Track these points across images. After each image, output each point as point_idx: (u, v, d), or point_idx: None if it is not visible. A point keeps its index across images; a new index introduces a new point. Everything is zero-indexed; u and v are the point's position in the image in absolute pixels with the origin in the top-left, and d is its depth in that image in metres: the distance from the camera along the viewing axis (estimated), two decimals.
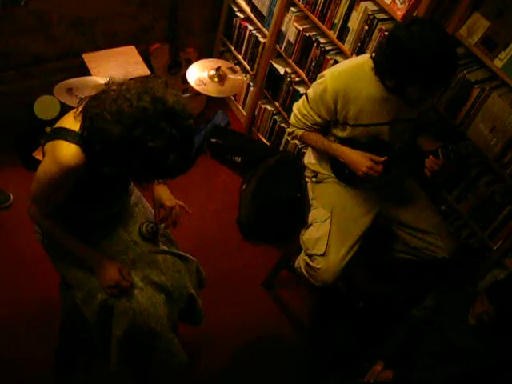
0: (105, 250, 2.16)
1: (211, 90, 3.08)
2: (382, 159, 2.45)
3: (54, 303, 2.51)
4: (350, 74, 2.38)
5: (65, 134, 1.84)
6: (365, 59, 2.33)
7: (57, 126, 1.91)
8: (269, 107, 3.83)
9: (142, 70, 3.42)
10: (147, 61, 3.60)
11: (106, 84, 2.58)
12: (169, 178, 1.84)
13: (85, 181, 1.90)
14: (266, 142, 3.95)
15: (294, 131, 2.59)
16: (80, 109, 1.83)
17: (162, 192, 2.32)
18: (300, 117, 2.53)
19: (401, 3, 2.67)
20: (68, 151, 1.81)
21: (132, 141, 1.68)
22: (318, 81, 2.47)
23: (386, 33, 2.77)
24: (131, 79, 1.83)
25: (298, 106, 2.55)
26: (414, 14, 2.62)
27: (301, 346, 3.10)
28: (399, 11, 2.68)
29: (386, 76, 2.25)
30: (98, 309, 2.13)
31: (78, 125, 1.82)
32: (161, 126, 1.68)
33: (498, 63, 2.50)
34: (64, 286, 2.30)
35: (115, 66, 3.40)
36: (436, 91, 2.32)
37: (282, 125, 3.76)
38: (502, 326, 2.43)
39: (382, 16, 2.83)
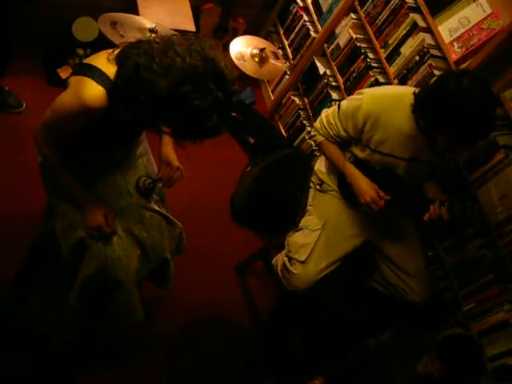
0: (98, 191, 2.16)
1: (249, 68, 3.05)
2: (387, 197, 2.45)
3: (34, 221, 2.50)
4: (388, 101, 2.36)
5: (95, 74, 1.80)
6: (408, 92, 2.30)
7: (88, 61, 1.87)
8: (297, 100, 3.81)
9: (189, 25, 3.40)
10: (196, 17, 3.57)
11: (150, 30, 2.58)
12: (204, 138, 1.82)
13: (99, 122, 1.88)
14: (284, 132, 3.94)
15: (315, 135, 2.58)
16: (116, 52, 1.81)
17: (170, 151, 2.32)
18: (326, 124, 2.52)
19: (458, 47, 2.65)
20: (94, 92, 1.78)
21: (179, 96, 1.67)
22: (355, 96, 2.45)
23: (435, 71, 2.76)
24: (175, 35, 1.81)
25: (327, 114, 2.53)
26: (467, 64, 2.60)
27: (252, 337, 3.13)
28: (454, 54, 2.66)
29: (420, 115, 2.23)
30: (73, 244, 2.15)
31: (111, 68, 1.80)
32: (209, 85, 1.67)
33: None
34: (48, 210, 2.31)
35: (164, 12, 3.37)
36: (463, 148, 2.31)
37: (304, 122, 3.75)
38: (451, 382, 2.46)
39: (435, 52, 2.81)
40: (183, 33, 1.88)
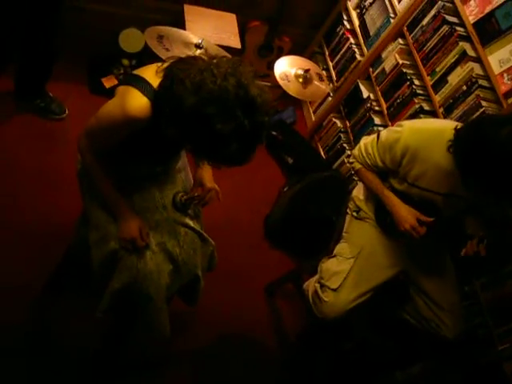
0: (134, 203, 2.16)
1: (292, 88, 3.03)
2: (430, 220, 2.39)
3: (69, 229, 2.51)
4: (428, 135, 2.30)
5: (141, 85, 1.83)
6: (448, 127, 2.24)
7: (136, 72, 1.90)
8: (338, 123, 3.78)
9: (235, 42, 3.41)
10: (242, 34, 3.58)
11: (196, 45, 2.59)
12: (222, 164, 1.82)
13: (142, 135, 1.89)
14: (323, 154, 3.91)
15: (353, 162, 2.55)
16: (164, 66, 1.82)
17: (205, 171, 2.31)
18: (364, 153, 2.47)
19: (508, 79, 2.59)
20: (139, 102, 1.80)
21: (201, 116, 1.66)
22: (394, 128, 2.40)
23: (482, 101, 2.70)
24: (223, 57, 1.80)
25: (366, 142, 2.49)
26: None
27: (278, 360, 3.08)
28: (504, 86, 2.60)
29: (456, 155, 2.17)
30: (106, 255, 2.14)
31: (157, 81, 1.81)
32: (235, 112, 1.65)
33: None
34: (83, 219, 2.31)
35: (211, 28, 3.39)
36: (492, 198, 2.24)
37: (344, 145, 3.71)
38: None
39: (484, 83, 2.75)
40: (232, 56, 1.87)
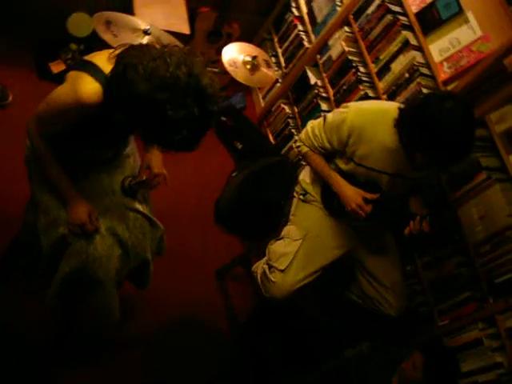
0: (83, 188, 2.17)
1: (240, 75, 3.07)
2: (375, 196, 2.47)
3: (18, 215, 2.49)
4: (373, 115, 2.39)
5: (93, 70, 1.83)
6: (393, 107, 2.34)
7: (87, 58, 1.89)
8: (287, 108, 3.84)
9: (184, 28, 3.42)
10: (192, 20, 3.58)
11: (144, 31, 2.60)
12: (171, 149, 1.85)
13: (92, 120, 1.90)
14: (272, 139, 3.96)
15: (300, 146, 2.61)
16: (116, 52, 1.83)
17: (154, 155, 2.33)
18: (311, 135, 2.54)
19: (448, 67, 2.69)
20: (90, 87, 1.80)
21: (153, 102, 1.69)
22: (340, 109, 2.48)
23: (423, 89, 2.80)
24: (175, 46, 1.83)
25: (313, 126, 2.56)
26: (454, 84, 2.63)
27: (229, 342, 3.15)
28: (443, 74, 2.70)
29: (403, 131, 2.26)
30: (55, 240, 2.15)
31: (109, 67, 1.82)
32: (186, 100, 1.69)
33: None
34: (32, 204, 2.31)
35: (160, 14, 3.38)
36: (437, 168, 2.35)
37: (293, 130, 3.77)
38: None
39: (425, 71, 2.84)
40: (182, 43, 1.89)
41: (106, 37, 2.63)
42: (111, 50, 1.87)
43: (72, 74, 1.88)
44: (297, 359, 3.08)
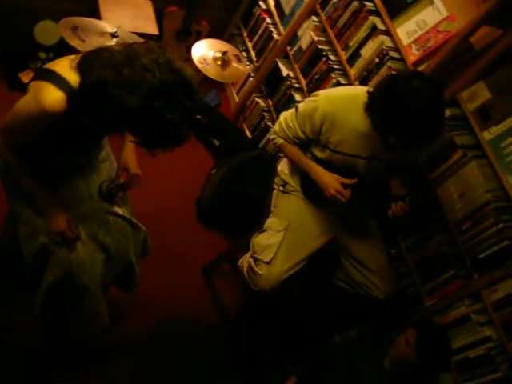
0: (60, 196, 2.15)
1: (211, 71, 3.07)
2: (352, 181, 2.48)
3: None
4: (343, 101, 2.40)
5: (55, 79, 1.80)
6: (361, 91, 2.35)
7: (49, 67, 1.87)
8: (261, 102, 3.84)
9: (152, 28, 3.41)
10: (159, 20, 3.57)
11: (111, 34, 2.58)
12: (176, 146, 1.84)
13: (58, 128, 1.88)
14: (249, 134, 3.97)
15: (275, 138, 2.61)
16: (78, 61, 1.81)
17: (129, 156, 2.33)
18: (284, 127, 2.55)
19: (416, 49, 2.71)
20: (53, 96, 1.78)
21: (150, 111, 1.69)
22: (311, 98, 2.48)
23: (394, 72, 2.81)
24: (135, 43, 1.81)
25: (285, 117, 2.56)
26: (425, 66, 2.66)
27: (220, 338, 3.15)
28: (412, 56, 2.72)
29: (374, 114, 2.27)
30: (37, 250, 2.14)
31: (72, 74, 1.80)
32: (179, 98, 1.70)
33: (487, 136, 2.57)
34: (10, 215, 2.30)
35: (127, 16, 3.37)
36: (409, 149, 2.37)
37: (269, 123, 3.78)
38: (415, 375, 2.52)
39: (394, 55, 2.87)
40: (145, 40, 1.88)
41: (74, 42, 2.62)
42: (72, 57, 1.86)
43: (34, 83, 1.85)
44: (288, 351, 3.10)
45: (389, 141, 2.25)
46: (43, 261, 2.16)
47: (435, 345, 2.54)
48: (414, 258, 2.95)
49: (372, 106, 2.26)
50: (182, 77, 1.71)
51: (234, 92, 4.14)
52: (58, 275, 2.14)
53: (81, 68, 1.80)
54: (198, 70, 3.22)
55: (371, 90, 2.32)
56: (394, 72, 2.82)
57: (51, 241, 2.11)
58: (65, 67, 1.82)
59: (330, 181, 2.48)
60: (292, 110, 2.55)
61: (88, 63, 1.78)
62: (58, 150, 2.05)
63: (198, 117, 3.78)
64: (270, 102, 3.74)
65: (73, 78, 1.80)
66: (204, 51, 3.14)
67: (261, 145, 3.83)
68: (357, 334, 2.77)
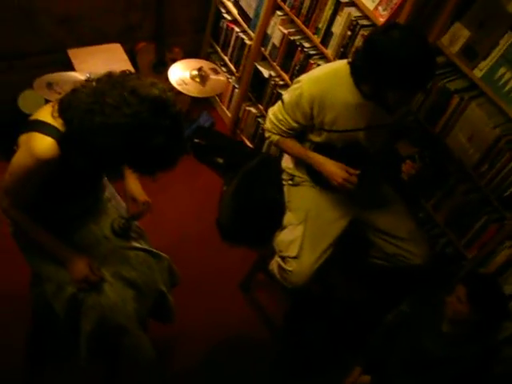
0: (75, 244, 2.15)
1: (192, 89, 3.08)
2: (357, 172, 2.45)
3: (24, 297, 2.48)
4: (326, 79, 2.38)
5: (40, 127, 1.82)
6: (341, 64, 2.33)
7: (33, 118, 1.90)
8: (253, 110, 3.83)
9: (127, 67, 3.41)
10: (133, 59, 3.60)
11: (86, 80, 2.59)
12: (170, 165, 1.84)
13: (57, 174, 1.89)
14: (249, 144, 3.96)
15: (269, 136, 2.59)
16: (57, 108, 1.83)
17: (134, 186, 2.32)
18: (276, 122, 2.52)
19: (383, 10, 2.69)
20: (43, 143, 1.80)
21: (135, 146, 1.71)
22: (293, 86, 2.46)
23: None
24: (99, 78, 1.81)
25: (274, 111, 2.54)
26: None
27: (274, 349, 3.09)
28: (381, 18, 2.70)
29: (362, 81, 2.25)
30: (67, 302, 2.14)
31: (56, 119, 1.82)
32: (158, 123, 1.69)
33: (478, 73, 2.52)
34: (35, 279, 2.30)
35: (100, 63, 3.39)
36: (413, 95, 2.33)
37: None
38: (476, 331, 2.44)
39: (364, 22, 2.84)
40: (107, 72, 1.86)
41: (53, 97, 2.64)
42: (52, 103, 1.88)
43: (23, 137, 1.88)
44: (345, 344, 3.03)
45: (388, 100, 2.22)
46: (76, 312, 2.15)
47: (487, 294, 2.45)
48: (442, 215, 2.88)
49: (358, 73, 2.24)
50: (152, 101, 1.69)
51: (225, 108, 4.14)
52: (93, 323, 2.13)
53: (62, 113, 1.81)
54: (184, 94, 3.23)
55: (350, 60, 2.30)
56: None
57: (78, 289, 2.10)
58: (47, 114, 1.85)
59: (336, 170, 2.44)
60: (279, 103, 2.53)
61: (67, 107, 1.79)
62: (60, 198, 2.06)
63: (196, 141, 3.79)
64: (261, 107, 3.73)
65: (58, 123, 1.82)
66: (180, 73, 3.16)
67: (264, 150, 3.81)
68: (408, 308, 2.70)
